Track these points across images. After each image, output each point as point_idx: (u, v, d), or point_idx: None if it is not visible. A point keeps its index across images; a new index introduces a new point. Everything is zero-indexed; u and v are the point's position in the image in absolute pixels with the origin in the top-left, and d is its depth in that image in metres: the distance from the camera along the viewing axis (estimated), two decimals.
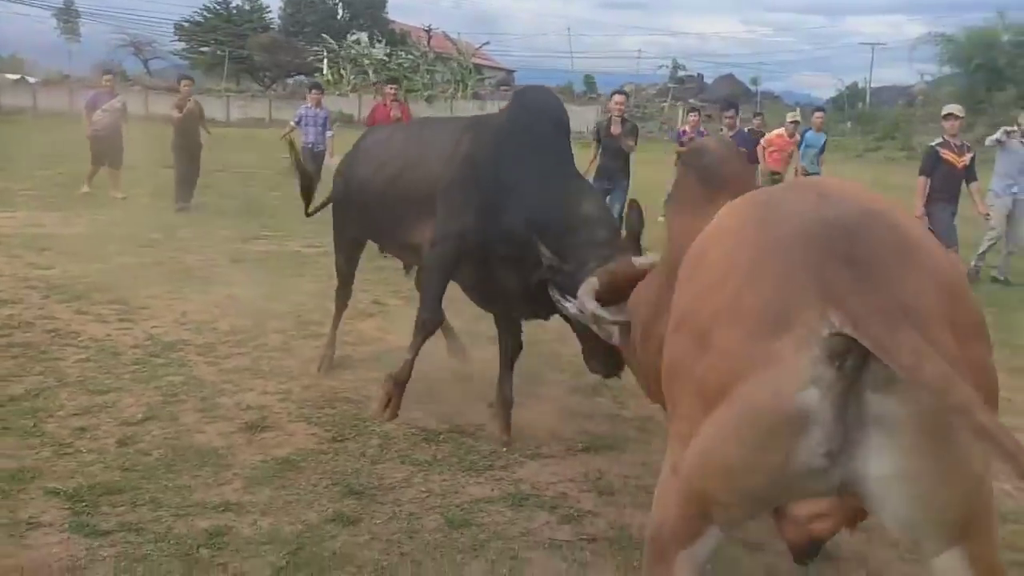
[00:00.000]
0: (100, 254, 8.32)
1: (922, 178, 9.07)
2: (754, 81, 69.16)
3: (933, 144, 9.18)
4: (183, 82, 13.75)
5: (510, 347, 4.58)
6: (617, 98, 10.58)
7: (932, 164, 8.97)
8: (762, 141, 12.02)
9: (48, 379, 4.89)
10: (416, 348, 4.42)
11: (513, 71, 64.74)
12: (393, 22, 55.77)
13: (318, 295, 6.82)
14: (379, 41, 49.25)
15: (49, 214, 10.93)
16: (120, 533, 3.23)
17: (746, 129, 12.79)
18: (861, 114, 49.80)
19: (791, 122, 12.21)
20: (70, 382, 4.86)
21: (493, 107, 45.30)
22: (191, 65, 48.79)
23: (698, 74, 70.02)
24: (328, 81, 41.50)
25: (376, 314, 6.86)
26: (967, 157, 8.96)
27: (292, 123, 12.48)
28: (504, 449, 4.26)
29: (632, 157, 10.35)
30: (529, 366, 5.51)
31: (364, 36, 49.31)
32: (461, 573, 3.13)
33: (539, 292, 4.00)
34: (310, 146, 12.12)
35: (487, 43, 57.60)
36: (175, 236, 9.88)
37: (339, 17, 54.86)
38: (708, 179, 2.77)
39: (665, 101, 56.98)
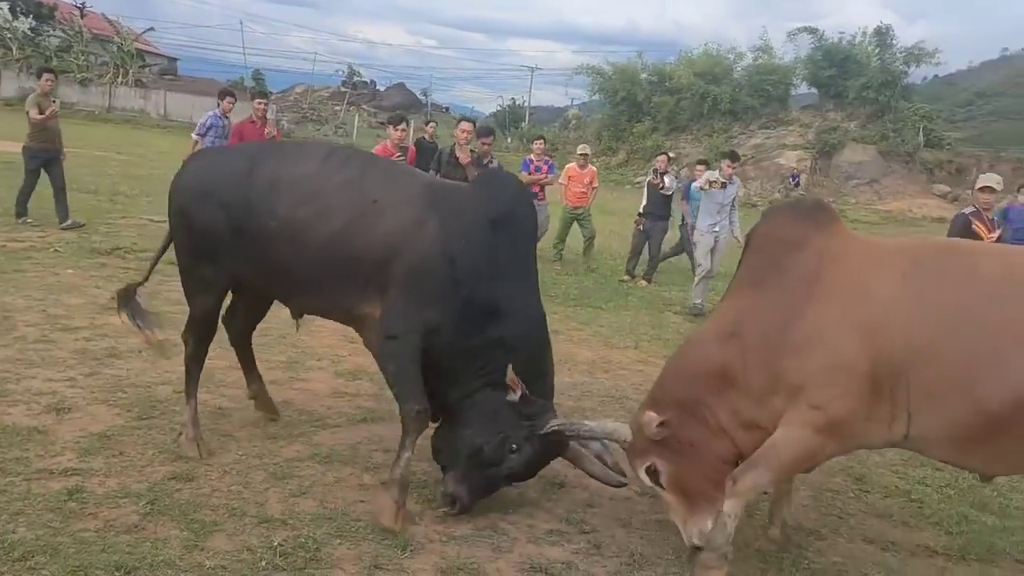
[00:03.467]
0: None
1: None
2: (425, 92, 72.29)
3: (966, 212, 8.34)
4: (45, 76, 11.41)
5: None
6: (464, 126, 9.64)
7: (961, 234, 7.89)
8: (561, 176, 12.76)
9: None
10: (411, 446, 3.87)
11: (176, 59, 61.95)
12: None
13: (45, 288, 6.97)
14: (24, 14, 44.86)
15: None
16: None
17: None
18: (524, 132, 54.07)
19: (581, 154, 12.93)
20: None
21: (158, 97, 43.71)
22: None
23: (371, 81, 71.66)
24: None
25: None
26: (995, 234, 8.19)
27: None
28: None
29: None
30: (290, 357, 6.30)
31: (5, 7, 44.65)
32: (294, 510, 3.89)
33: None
34: None
35: (151, 28, 54.82)
36: None
37: None
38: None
39: (339, 105, 57.90)
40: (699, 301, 10.21)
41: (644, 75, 42.75)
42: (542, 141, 12.69)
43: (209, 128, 10.84)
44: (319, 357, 6.40)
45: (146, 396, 5.13)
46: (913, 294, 3.29)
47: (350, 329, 7.31)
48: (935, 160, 36.79)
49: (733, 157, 10.68)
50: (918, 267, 3.38)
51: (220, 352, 5.92)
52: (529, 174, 11.84)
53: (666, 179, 12.36)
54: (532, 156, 12.48)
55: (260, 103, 10.93)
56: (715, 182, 10.15)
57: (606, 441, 4.04)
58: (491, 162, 9.48)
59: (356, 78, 67.76)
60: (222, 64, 68.12)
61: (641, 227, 12.41)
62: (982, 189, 8.21)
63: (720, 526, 3.41)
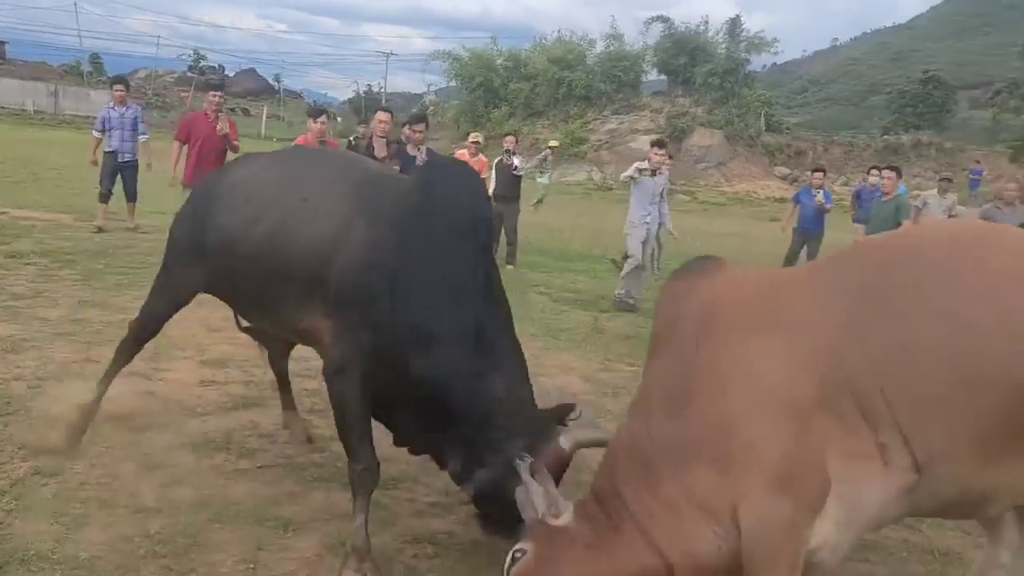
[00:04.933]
0: None
1: None
2: (277, 78, 70.47)
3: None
4: None
5: None
6: (382, 116, 9.06)
7: None
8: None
9: None
10: (364, 508, 3.36)
11: (4, 42, 57.97)
12: None
13: None
14: None
15: None
16: None
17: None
18: (314, 109, 53.77)
19: (473, 142, 12.15)
20: None
21: None
22: None
23: (219, 65, 69.29)
24: None
25: None
26: None
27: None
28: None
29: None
30: (153, 349, 6.11)
31: None
32: (168, 499, 3.82)
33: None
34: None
35: None
36: None
37: None
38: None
39: (186, 91, 55.74)
40: (623, 292, 9.85)
41: (500, 61, 43.19)
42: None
43: (103, 122, 10.55)
44: (183, 347, 6.22)
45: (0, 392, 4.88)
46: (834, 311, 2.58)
47: (215, 316, 7.19)
48: (776, 144, 39.00)
49: (661, 144, 10.38)
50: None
51: (76, 349, 5.76)
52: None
53: (515, 159, 12.50)
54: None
55: (215, 95, 10.16)
56: (644, 170, 9.91)
57: None
58: (421, 154, 8.67)
59: (203, 63, 65.20)
60: (55, 47, 64.28)
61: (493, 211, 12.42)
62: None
63: None
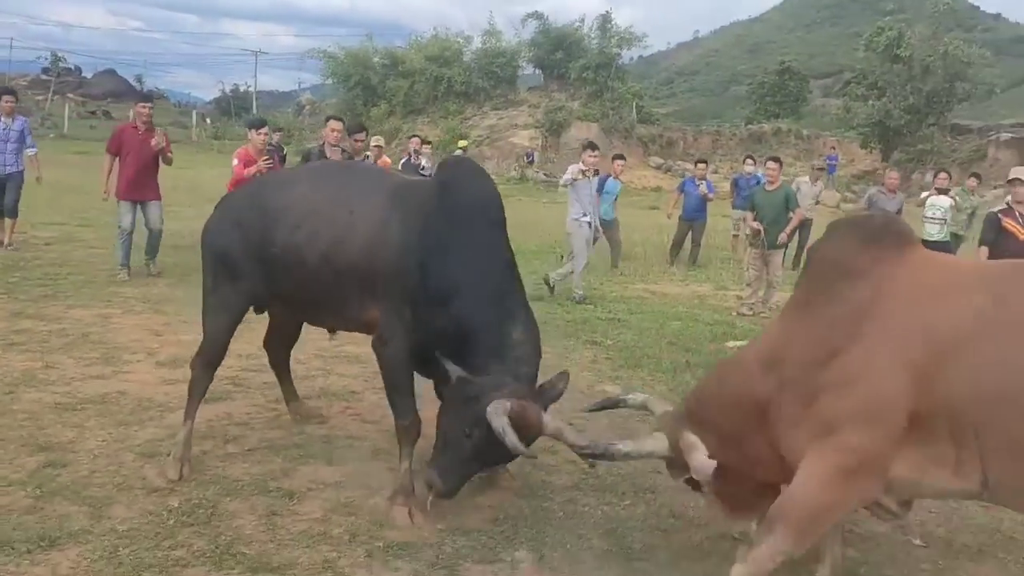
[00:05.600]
0: None
1: (983, 248, 7.76)
2: (139, 78, 68.05)
3: (996, 211, 8.01)
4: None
5: None
6: (334, 124, 9.12)
7: (993, 234, 7.71)
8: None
9: None
10: (409, 456, 4.10)
11: None
12: None
13: None
14: None
15: None
16: None
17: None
18: (255, 119, 52.61)
19: (376, 146, 11.68)
20: None
21: None
22: None
23: (75, 67, 66.40)
24: None
25: None
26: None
27: None
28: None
29: None
30: (103, 353, 6.42)
31: None
32: (177, 480, 4.24)
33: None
34: None
35: None
36: None
37: None
38: None
39: (41, 94, 53.38)
40: (580, 292, 10.25)
41: (376, 59, 43.19)
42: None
43: None
44: (132, 351, 6.52)
45: None
46: (987, 334, 2.82)
47: (155, 321, 7.51)
48: (649, 135, 40.63)
49: (593, 147, 10.86)
50: (997, 303, 2.88)
51: (31, 357, 6.03)
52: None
53: (423, 160, 12.90)
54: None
55: (144, 107, 9.99)
56: (586, 171, 10.33)
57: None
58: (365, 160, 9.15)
59: (61, 64, 62.31)
60: None
61: None
62: (1011, 182, 7.86)
63: None
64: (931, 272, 3.14)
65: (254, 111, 63.60)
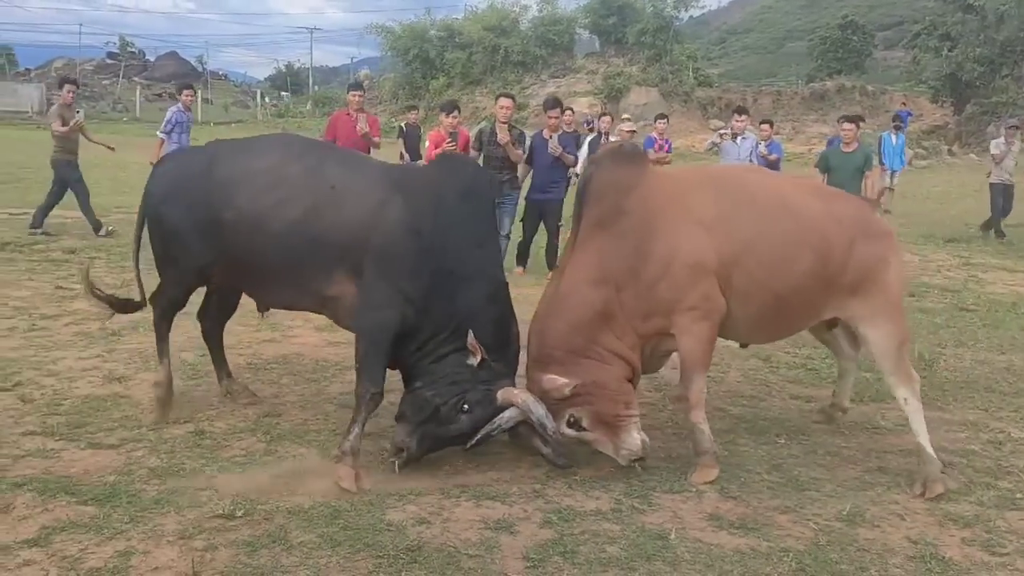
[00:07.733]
0: None
1: None
2: (201, 59, 69.17)
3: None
4: (67, 87, 11.23)
5: None
6: (504, 102, 9.18)
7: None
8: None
9: None
10: (362, 422, 4.15)
11: None
12: None
13: None
14: None
15: None
16: None
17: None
18: (316, 96, 53.32)
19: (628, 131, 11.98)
20: None
21: None
22: None
23: (139, 51, 67.73)
24: None
25: None
26: None
27: None
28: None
29: (520, 168, 9.63)
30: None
31: None
32: (305, 429, 4.73)
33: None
34: None
35: None
36: None
37: None
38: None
39: (107, 79, 54.66)
40: None
41: (433, 31, 43.51)
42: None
43: (175, 125, 10.91)
44: (291, 317, 6.95)
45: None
46: (723, 215, 4.24)
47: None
48: (707, 98, 40.37)
49: (741, 111, 10.94)
50: (720, 193, 4.36)
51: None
52: (654, 152, 11.51)
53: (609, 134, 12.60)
54: (655, 134, 12.22)
55: (355, 94, 10.12)
56: (725, 134, 10.64)
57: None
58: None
59: (129, 48, 63.62)
60: None
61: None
62: None
63: (699, 433, 4.24)
64: (674, 179, 4.76)
65: (310, 88, 64.46)
